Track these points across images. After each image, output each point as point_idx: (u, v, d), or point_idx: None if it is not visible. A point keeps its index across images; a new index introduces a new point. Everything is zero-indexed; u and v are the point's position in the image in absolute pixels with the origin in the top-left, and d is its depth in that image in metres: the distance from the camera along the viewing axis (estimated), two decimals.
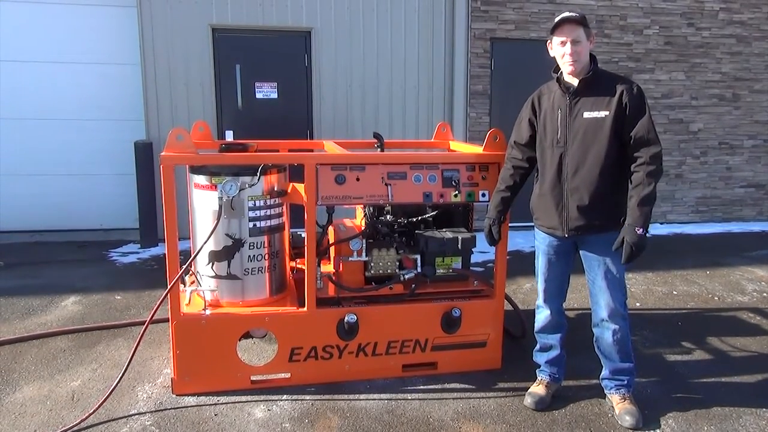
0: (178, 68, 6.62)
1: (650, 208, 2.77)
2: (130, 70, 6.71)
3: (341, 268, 3.55)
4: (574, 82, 2.91)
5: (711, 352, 3.94)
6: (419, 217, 3.72)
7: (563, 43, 2.87)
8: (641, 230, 2.74)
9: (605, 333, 3.06)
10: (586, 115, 2.86)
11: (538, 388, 3.25)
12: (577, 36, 2.84)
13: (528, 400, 3.20)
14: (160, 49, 6.56)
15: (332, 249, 3.67)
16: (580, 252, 3.07)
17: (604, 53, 7.45)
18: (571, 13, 2.88)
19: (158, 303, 3.18)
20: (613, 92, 2.82)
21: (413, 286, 3.53)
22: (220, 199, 3.17)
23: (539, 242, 3.18)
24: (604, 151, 2.83)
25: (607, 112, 2.82)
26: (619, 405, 3.08)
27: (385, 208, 3.76)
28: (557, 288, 3.18)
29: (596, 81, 2.89)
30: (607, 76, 2.95)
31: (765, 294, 5.14)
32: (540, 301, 3.24)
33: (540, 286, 3.22)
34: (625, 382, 3.12)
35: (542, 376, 3.30)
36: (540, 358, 3.32)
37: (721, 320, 4.56)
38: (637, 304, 4.86)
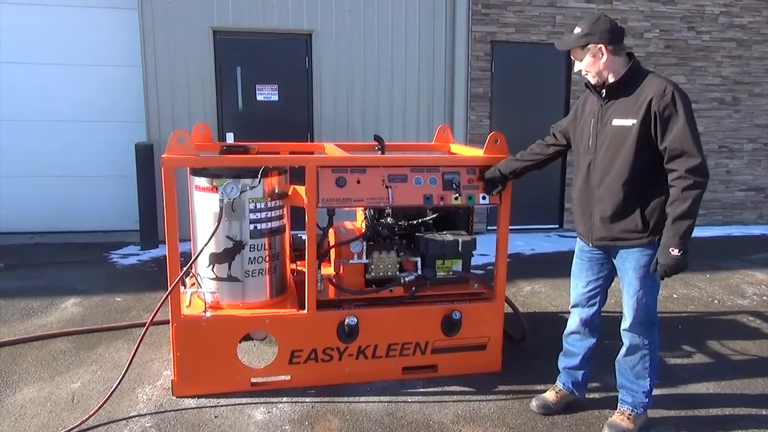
0: (178, 70, 6.63)
1: (687, 226, 2.52)
2: (131, 72, 6.72)
3: (342, 271, 3.55)
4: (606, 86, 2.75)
5: (711, 355, 3.94)
6: (420, 220, 3.72)
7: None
8: (676, 251, 2.51)
9: (622, 346, 2.92)
10: (615, 122, 2.69)
11: (548, 394, 3.19)
12: (577, 57, 2.76)
13: (533, 403, 3.17)
14: (161, 51, 6.56)
15: (333, 251, 3.67)
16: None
17: None
18: (562, 38, 2.80)
19: (159, 305, 3.18)
20: (644, 98, 2.59)
21: (413, 288, 3.53)
22: (221, 201, 3.17)
23: (577, 244, 3.07)
24: (628, 162, 2.64)
25: (634, 120, 2.60)
26: (613, 415, 2.98)
27: (386, 211, 3.77)
28: (587, 296, 3.02)
29: (629, 84, 2.66)
30: (643, 77, 2.66)
31: (765, 297, 5.14)
32: (571, 305, 3.12)
33: (571, 290, 3.11)
34: (629, 400, 2.93)
35: (557, 383, 3.20)
36: (560, 362, 3.21)
37: (721, 324, 4.56)
38: None
